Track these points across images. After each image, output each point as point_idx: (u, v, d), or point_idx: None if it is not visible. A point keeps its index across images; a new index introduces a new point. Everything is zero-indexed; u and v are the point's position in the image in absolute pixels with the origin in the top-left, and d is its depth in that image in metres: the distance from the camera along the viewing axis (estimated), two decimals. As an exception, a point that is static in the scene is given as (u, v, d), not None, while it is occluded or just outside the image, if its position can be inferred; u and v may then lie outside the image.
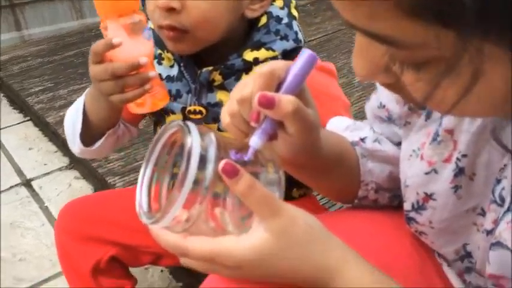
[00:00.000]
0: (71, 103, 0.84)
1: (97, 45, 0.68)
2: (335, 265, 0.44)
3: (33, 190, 1.66)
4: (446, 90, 0.32)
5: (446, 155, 0.50)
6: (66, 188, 1.65)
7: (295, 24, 0.79)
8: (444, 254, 0.56)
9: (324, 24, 2.54)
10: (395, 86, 0.38)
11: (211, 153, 0.43)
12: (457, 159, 0.49)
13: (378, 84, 0.64)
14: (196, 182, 0.42)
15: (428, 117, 0.53)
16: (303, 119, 0.46)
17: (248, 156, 0.46)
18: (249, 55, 0.76)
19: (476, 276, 0.52)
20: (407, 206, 0.56)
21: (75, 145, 0.82)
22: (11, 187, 1.69)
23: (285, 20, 0.78)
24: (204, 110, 0.79)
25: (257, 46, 0.76)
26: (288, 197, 0.88)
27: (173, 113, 0.82)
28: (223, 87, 0.78)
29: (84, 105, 0.79)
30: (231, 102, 0.48)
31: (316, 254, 0.44)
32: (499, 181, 0.44)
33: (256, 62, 0.76)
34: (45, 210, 1.56)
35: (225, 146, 0.46)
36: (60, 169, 1.76)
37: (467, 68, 0.30)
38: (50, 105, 2.00)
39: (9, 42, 2.86)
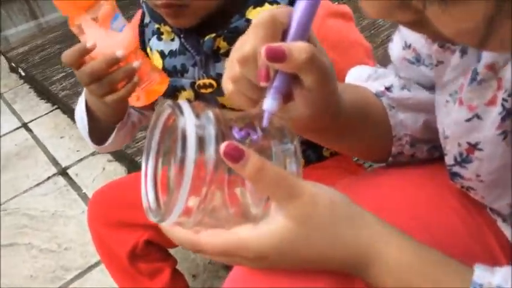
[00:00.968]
0: None
1: (71, 52, 0.64)
2: (368, 245, 0.37)
3: (70, 178, 1.67)
4: (478, 19, 0.25)
5: (489, 97, 0.42)
6: (101, 172, 1.65)
7: None
8: (498, 209, 0.49)
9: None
10: (417, 24, 0.30)
11: (210, 132, 0.37)
12: (503, 99, 0.41)
13: (400, 23, 0.56)
14: (200, 167, 0.36)
15: (464, 53, 0.44)
16: (320, 68, 0.38)
17: (264, 123, 0.39)
18: (252, 14, 0.68)
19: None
20: (449, 159, 0.48)
21: (89, 144, 0.81)
22: (49, 178, 1.70)
23: None
24: (214, 83, 0.73)
25: (260, 2, 0.68)
26: (320, 157, 0.83)
27: (184, 89, 0.76)
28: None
29: (87, 105, 0.76)
30: (231, 65, 0.40)
31: (345, 236, 0.38)
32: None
33: None
34: (84, 196, 1.57)
35: (227, 124, 0.40)
36: (92, 154, 1.76)
37: None
38: (74, 91, 1.99)
39: (28, 32, 2.86)
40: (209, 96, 0.75)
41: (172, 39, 0.76)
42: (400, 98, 0.54)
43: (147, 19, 0.80)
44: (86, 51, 0.63)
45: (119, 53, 0.63)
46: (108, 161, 1.70)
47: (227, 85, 0.42)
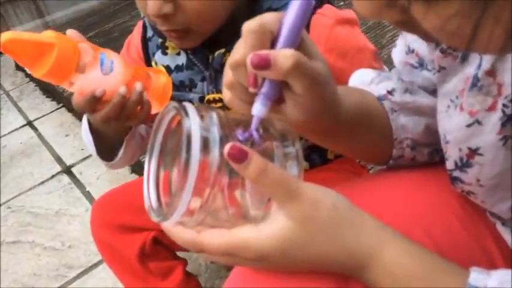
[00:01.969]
0: None
1: (80, 106, 0.65)
2: (368, 248, 0.38)
3: (74, 176, 1.68)
4: (463, 19, 0.25)
5: (490, 102, 0.42)
6: (105, 171, 1.66)
7: None
8: (497, 213, 0.49)
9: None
10: (407, 24, 0.31)
11: (214, 134, 0.38)
12: (504, 105, 0.41)
13: (403, 27, 0.56)
14: (204, 168, 0.37)
15: (465, 59, 0.45)
16: (308, 74, 0.38)
17: (253, 127, 0.39)
18: None
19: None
20: (449, 164, 0.48)
21: (101, 162, 0.81)
22: (53, 176, 1.71)
23: None
24: None
25: None
26: (324, 161, 0.83)
27: (192, 103, 0.76)
28: None
29: (90, 125, 0.75)
30: (226, 72, 0.41)
31: (346, 239, 0.38)
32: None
33: None
34: (88, 195, 1.57)
35: (231, 125, 0.40)
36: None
37: None
38: (79, 90, 2.00)
39: (34, 30, 2.88)
40: None
41: (178, 54, 0.75)
42: (402, 102, 0.54)
43: (149, 33, 0.79)
44: (97, 100, 0.64)
45: (122, 90, 0.63)
46: (112, 160, 1.70)
47: (225, 92, 0.43)
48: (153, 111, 0.71)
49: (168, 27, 0.65)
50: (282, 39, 0.38)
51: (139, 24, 0.82)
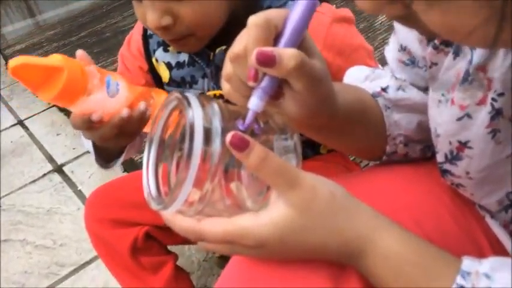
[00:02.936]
0: None
1: (77, 124, 0.64)
2: (364, 235, 0.39)
3: (66, 175, 1.68)
4: (464, 14, 0.26)
5: (480, 96, 0.43)
6: (97, 170, 1.66)
7: None
8: (486, 206, 0.51)
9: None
10: (407, 19, 0.32)
11: (216, 125, 0.39)
12: (493, 99, 0.42)
13: (396, 25, 0.58)
14: (204, 159, 0.37)
15: (457, 54, 0.46)
16: (309, 74, 0.39)
17: (248, 120, 0.40)
18: None
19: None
20: (440, 157, 0.50)
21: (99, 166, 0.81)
22: (44, 175, 1.71)
23: None
24: None
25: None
26: (316, 154, 0.85)
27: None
28: None
29: None
30: (225, 64, 0.42)
31: (343, 225, 0.39)
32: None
33: None
34: (79, 194, 1.57)
35: (232, 116, 0.41)
36: (89, 152, 1.76)
37: None
38: (71, 89, 1.99)
39: (26, 29, 2.86)
40: None
41: (179, 52, 0.76)
42: (396, 98, 0.56)
43: (150, 31, 0.80)
44: (93, 122, 0.63)
45: (125, 112, 0.64)
46: (104, 159, 1.70)
47: (223, 84, 0.44)
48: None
49: (169, 37, 0.67)
50: (286, 37, 0.39)
51: (139, 22, 0.83)
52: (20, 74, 0.58)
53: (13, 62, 0.57)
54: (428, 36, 0.45)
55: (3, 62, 2.66)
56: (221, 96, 0.74)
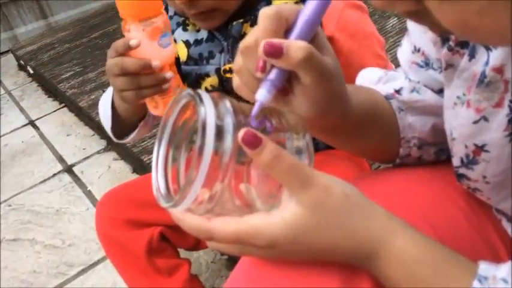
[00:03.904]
0: (100, 85, 0.82)
1: (117, 43, 0.66)
2: (378, 236, 0.38)
3: (75, 175, 1.68)
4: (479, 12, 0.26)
5: (496, 99, 0.42)
6: (106, 170, 1.66)
7: None
8: (503, 209, 0.50)
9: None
10: (419, 15, 0.31)
11: (228, 122, 0.38)
12: (510, 101, 0.41)
13: (409, 26, 0.57)
14: (215, 156, 0.37)
15: (472, 56, 0.45)
16: (318, 67, 0.38)
17: (254, 111, 0.39)
18: (278, 1, 0.71)
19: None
20: (456, 161, 0.49)
21: (112, 136, 0.82)
22: (54, 175, 1.72)
23: None
24: None
25: None
26: (328, 147, 0.85)
27: (208, 76, 0.79)
28: None
29: (112, 100, 0.77)
30: (236, 57, 0.41)
31: (356, 226, 0.38)
32: None
33: None
34: (89, 194, 1.58)
35: (244, 114, 0.41)
36: (98, 152, 1.77)
37: None
38: (81, 90, 2.00)
39: (38, 30, 2.89)
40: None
41: (198, 30, 0.78)
42: (410, 100, 0.55)
43: (171, 12, 0.82)
44: (129, 48, 0.65)
45: (156, 63, 0.65)
46: (113, 160, 1.71)
47: (234, 78, 0.43)
48: (156, 112, 0.72)
49: (195, 10, 0.68)
50: (296, 31, 0.38)
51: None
52: None
53: None
54: (441, 33, 0.44)
55: (15, 62, 2.68)
56: None
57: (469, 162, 0.47)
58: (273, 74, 0.39)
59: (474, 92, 0.44)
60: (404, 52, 0.58)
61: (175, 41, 0.81)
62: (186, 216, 0.40)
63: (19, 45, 2.66)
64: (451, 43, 0.47)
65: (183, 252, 1.23)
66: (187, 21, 0.79)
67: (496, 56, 0.42)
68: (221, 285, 1.16)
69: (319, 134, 0.50)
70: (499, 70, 0.42)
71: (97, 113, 0.83)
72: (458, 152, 0.48)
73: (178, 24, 0.81)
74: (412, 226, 0.40)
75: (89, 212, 1.49)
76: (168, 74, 0.67)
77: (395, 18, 1.83)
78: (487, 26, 0.27)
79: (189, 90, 0.39)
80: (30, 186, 1.68)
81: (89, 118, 1.87)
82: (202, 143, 0.36)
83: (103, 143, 1.81)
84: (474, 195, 0.50)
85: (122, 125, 0.79)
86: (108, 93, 0.78)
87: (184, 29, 0.80)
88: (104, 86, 1.93)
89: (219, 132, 0.37)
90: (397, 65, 0.61)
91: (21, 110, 2.22)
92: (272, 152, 0.36)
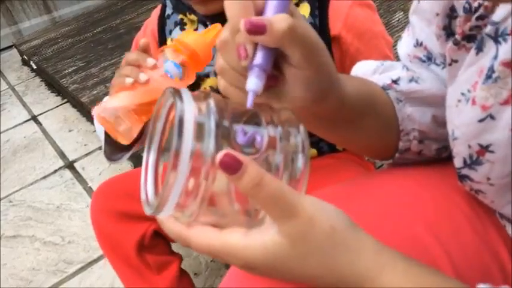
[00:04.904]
0: (102, 81, 0.81)
1: (130, 57, 0.68)
2: (364, 273, 0.35)
3: (76, 171, 1.67)
4: None
5: (505, 95, 0.40)
6: (107, 167, 1.65)
7: None
8: (507, 215, 0.47)
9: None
10: None
11: (211, 122, 0.35)
12: None
13: (412, 20, 0.54)
14: (196, 159, 0.34)
15: (480, 49, 0.42)
16: (304, 39, 0.35)
17: (249, 103, 0.36)
18: None
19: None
20: (458, 162, 0.46)
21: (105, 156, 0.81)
22: (55, 171, 1.70)
23: None
24: None
25: None
26: (333, 150, 0.83)
27: (207, 76, 0.77)
28: None
29: None
30: (216, 57, 0.39)
31: (339, 262, 0.35)
32: None
33: None
34: (89, 190, 1.56)
35: (234, 116, 0.38)
36: (100, 148, 1.75)
37: None
38: (83, 85, 1.99)
39: (42, 25, 2.88)
40: None
41: (196, 29, 0.77)
42: (408, 90, 0.52)
43: (168, 11, 0.82)
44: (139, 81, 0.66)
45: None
46: (114, 156, 1.69)
47: (218, 79, 0.40)
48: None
49: None
50: (270, 8, 0.35)
51: (158, 7, 0.85)
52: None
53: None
54: None
55: (19, 57, 2.68)
56: None
57: (473, 162, 0.44)
58: (258, 58, 0.36)
59: (480, 88, 0.41)
60: (404, 46, 0.55)
61: (172, 41, 0.80)
62: (169, 221, 0.38)
63: (23, 40, 2.65)
64: (457, 37, 0.44)
65: (183, 250, 1.22)
66: (184, 20, 0.78)
67: (507, 49, 0.39)
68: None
69: (316, 127, 0.47)
70: (509, 65, 0.39)
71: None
72: (460, 153, 0.45)
73: (175, 24, 0.80)
74: (410, 234, 0.37)
75: (88, 209, 1.47)
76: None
77: (402, 13, 1.80)
78: None
79: (170, 88, 0.37)
80: (31, 182, 1.67)
81: (90, 114, 1.86)
82: (179, 143, 0.33)
83: (105, 139, 1.80)
84: (477, 199, 0.48)
85: (117, 145, 0.77)
86: None
87: (182, 28, 0.79)
88: (105, 82, 1.92)
89: (200, 132, 0.34)
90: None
91: (24, 105, 2.21)
92: (253, 179, 0.32)
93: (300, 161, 0.39)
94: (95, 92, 1.90)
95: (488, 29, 0.40)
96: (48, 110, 2.11)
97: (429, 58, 0.52)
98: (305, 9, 0.74)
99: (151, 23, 0.86)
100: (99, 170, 1.64)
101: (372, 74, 0.55)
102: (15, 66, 2.63)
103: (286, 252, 0.34)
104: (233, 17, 0.35)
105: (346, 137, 0.50)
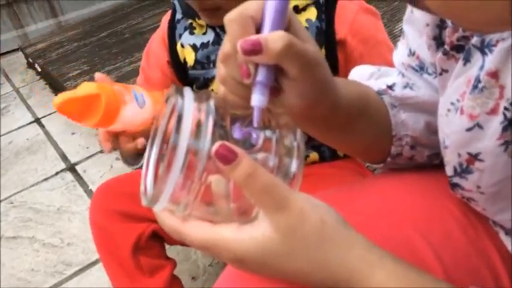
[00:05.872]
0: None
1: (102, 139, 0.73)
2: (353, 269, 0.35)
3: (78, 174, 1.68)
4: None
5: (491, 105, 0.40)
6: (109, 170, 1.66)
7: None
8: (500, 222, 0.47)
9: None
10: None
11: (209, 119, 0.36)
12: (505, 108, 0.39)
13: (405, 29, 0.55)
14: (192, 153, 0.35)
15: (467, 60, 0.43)
16: (301, 55, 0.36)
17: (255, 120, 0.37)
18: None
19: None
20: (449, 170, 0.47)
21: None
22: (57, 173, 1.71)
23: None
24: None
25: None
26: (334, 155, 0.84)
27: (215, 78, 0.78)
28: None
29: None
30: (218, 66, 0.40)
31: (328, 257, 0.36)
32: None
33: (296, 9, 0.74)
34: (90, 193, 1.57)
35: (229, 114, 0.39)
36: (101, 151, 1.77)
37: None
38: (87, 88, 2.00)
39: (48, 29, 2.91)
40: None
41: (205, 33, 0.80)
42: (403, 96, 0.53)
43: (178, 15, 0.84)
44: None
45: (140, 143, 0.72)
46: (116, 159, 1.70)
47: (219, 87, 0.41)
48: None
49: (200, 6, 0.74)
50: (269, 23, 0.36)
51: (168, 13, 0.88)
52: (64, 110, 0.63)
53: (56, 100, 0.63)
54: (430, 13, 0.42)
55: (24, 60, 2.70)
56: None
57: (463, 171, 0.45)
58: (260, 75, 0.37)
59: (468, 98, 0.42)
60: (399, 55, 0.56)
61: (182, 46, 0.83)
62: (164, 214, 0.39)
63: (28, 43, 2.67)
64: (446, 47, 0.45)
65: (182, 252, 1.22)
66: (193, 24, 0.80)
67: (492, 60, 0.40)
68: (217, 289, 1.14)
69: (311, 129, 0.47)
70: (494, 75, 0.39)
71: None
72: (451, 161, 0.46)
73: (185, 28, 0.83)
74: (403, 240, 0.38)
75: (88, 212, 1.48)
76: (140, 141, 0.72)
77: (404, 22, 1.81)
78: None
79: (173, 87, 0.38)
80: (32, 184, 1.68)
81: (93, 117, 1.87)
82: (176, 137, 0.34)
83: (107, 142, 1.81)
84: (470, 206, 0.48)
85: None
86: None
87: (191, 33, 0.81)
88: (109, 85, 1.93)
89: (198, 128, 0.35)
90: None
91: (28, 107, 2.23)
92: (246, 170, 0.34)
93: (294, 165, 0.40)
94: (98, 95, 1.91)
95: (475, 40, 0.41)
96: (52, 113, 2.13)
97: (421, 68, 0.53)
98: (312, 13, 0.76)
99: (161, 30, 0.88)
100: (101, 173, 1.65)
101: (368, 78, 0.56)
102: (20, 69, 2.65)
103: (276, 245, 0.35)
104: (232, 32, 0.36)
105: (339, 139, 0.51)
